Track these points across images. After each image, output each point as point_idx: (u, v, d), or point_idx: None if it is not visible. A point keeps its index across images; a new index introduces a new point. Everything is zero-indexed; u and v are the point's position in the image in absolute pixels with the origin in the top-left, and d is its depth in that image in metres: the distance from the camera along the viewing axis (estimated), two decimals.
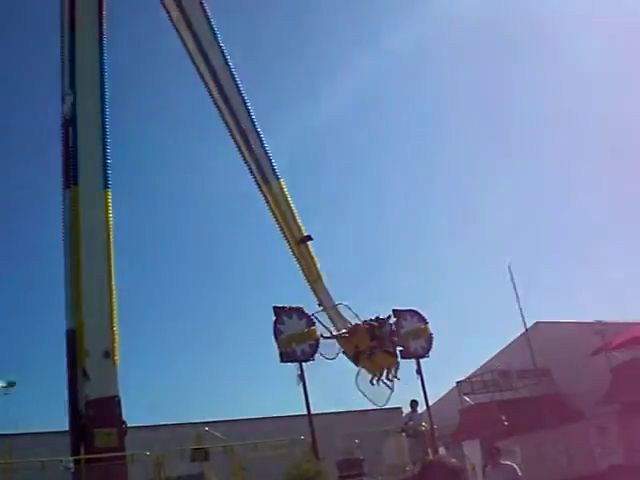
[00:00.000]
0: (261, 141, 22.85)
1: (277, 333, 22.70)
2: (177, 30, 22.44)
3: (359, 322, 23.16)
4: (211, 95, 22.72)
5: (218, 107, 22.76)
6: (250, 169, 22.96)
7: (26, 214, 41.15)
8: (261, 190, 23.05)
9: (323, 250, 24.74)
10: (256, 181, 23.04)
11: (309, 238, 23.12)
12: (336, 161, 56.53)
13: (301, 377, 22.45)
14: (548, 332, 36.83)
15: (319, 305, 23.20)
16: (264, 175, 22.89)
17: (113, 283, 20.44)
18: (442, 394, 38.34)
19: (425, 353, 26.05)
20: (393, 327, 24.42)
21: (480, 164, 56.55)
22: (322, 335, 23.01)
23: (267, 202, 23.03)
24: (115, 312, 20.31)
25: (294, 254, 23.21)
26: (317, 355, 22.96)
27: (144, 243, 46.78)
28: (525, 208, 54.43)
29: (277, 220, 23.13)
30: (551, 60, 53.32)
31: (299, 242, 22.94)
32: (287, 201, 23.05)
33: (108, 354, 19.88)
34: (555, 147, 52.38)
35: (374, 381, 22.98)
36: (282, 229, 23.14)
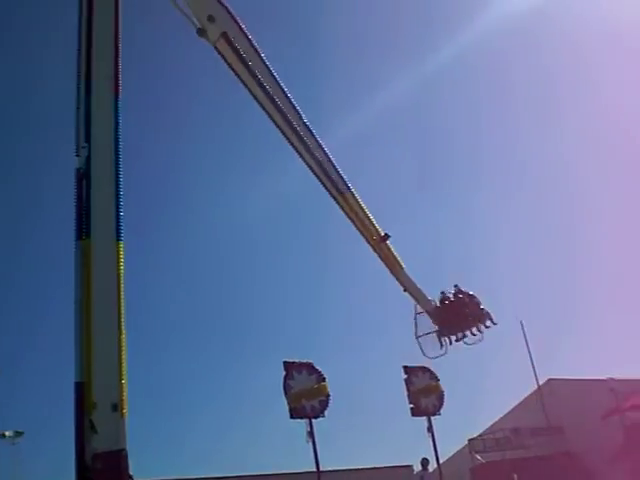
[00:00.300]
0: (327, 157, 23.78)
1: (287, 388, 22.53)
2: (236, 72, 23.23)
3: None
4: (274, 121, 23.30)
5: (284, 132, 23.33)
6: (324, 185, 24.08)
7: (37, 265, 41.28)
8: (337, 202, 24.33)
9: None
10: (331, 194, 24.19)
11: (387, 236, 24.57)
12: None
13: (310, 434, 22.21)
14: (561, 389, 36.50)
15: (404, 291, 25.14)
16: (338, 188, 24.09)
17: (123, 336, 20.33)
18: (453, 452, 37.83)
19: (436, 411, 25.81)
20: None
21: (490, 218, 56.59)
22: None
23: (344, 211, 24.42)
24: (124, 365, 20.15)
25: (376, 252, 24.88)
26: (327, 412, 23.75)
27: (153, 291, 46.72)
28: (537, 262, 54.33)
29: (356, 226, 24.61)
30: None
31: (380, 242, 24.48)
32: (362, 207, 24.42)
33: (116, 407, 19.60)
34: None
35: (447, 340, 25.25)
36: (362, 233, 24.64)
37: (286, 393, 22.04)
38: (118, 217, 21.06)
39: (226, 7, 23.56)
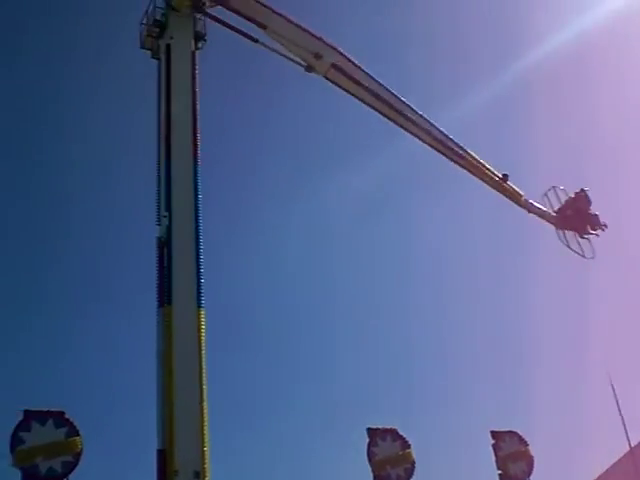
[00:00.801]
0: (445, 134, 27.69)
1: (371, 456, 22.02)
2: (348, 91, 26.52)
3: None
4: (383, 114, 26.93)
5: (396, 121, 27.05)
6: (451, 159, 27.93)
7: (120, 333, 41.95)
8: (459, 164, 28.04)
9: None
10: (452, 159, 27.93)
11: (506, 176, 28.54)
12: None
13: None
14: None
15: (529, 212, 29.17)
16: (459, 154, 27.85)
17: (205, 403, 20.34)
18: None
19: (526, 477, 24.81)
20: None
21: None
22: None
23: (467, 169, 28.11)
24: (206, 432, 20.13)
25: (501, 192, 28.61)
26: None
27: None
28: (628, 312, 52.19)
29: (480, 178, 28.28)
30: None
31: (502, 181, 28.47)
32: (480, 162, 28.13)
33: (198, 475, 19.59)
34: None
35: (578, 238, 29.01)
36: (486, 182, 28.38)
37: (370, 460, 21.62)
38: (199, 284, 21.35)
39: (328, 43, 26.00)
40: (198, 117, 23.18)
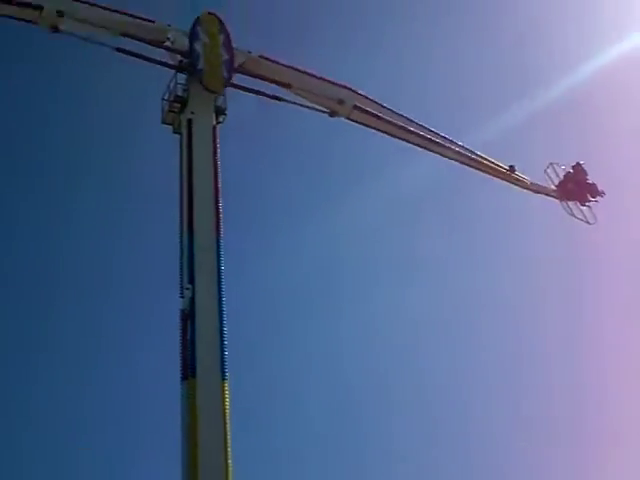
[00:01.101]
0: (463, 146, 29.83)
1: None
2: (372, 126, 28.37)
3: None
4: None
5: (418, 144, 29.01)
6: (469, 165, 30.13)
7: (144, 404, 41.75)
8: (477, 168, 30.28)
9: None
10: (473, 167, 30.18)
11: (513, 167, 30.72)
12: None
13: None
14: None
15: (536, 193, 31.55)
16: (477, 161, 30.02)
17: (231, 477, 20.16)
18: None
19: None
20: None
21: None
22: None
23: (482, 171, 30.36)
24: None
25: (510, 181, 30.85)
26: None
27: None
28: None
29: (493, 175, 30.51)
30: None
31: (511, 172, 30.63)
32: (492, 162, 30.32)
33: None
34: None
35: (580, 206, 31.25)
36: (498, 176, 30.60)
37: None
38: (223, 357, 21.32)
39: (350, 87, 27.86)
40: (220, 189, 23.50)
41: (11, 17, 23.86)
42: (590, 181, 31.74)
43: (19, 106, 43.92)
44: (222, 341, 21.44)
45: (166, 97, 25.38)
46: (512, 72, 50.36)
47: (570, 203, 31.75)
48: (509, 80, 50.06)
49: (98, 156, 44.47)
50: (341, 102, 27.45)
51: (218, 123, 24.91)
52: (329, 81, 27.57)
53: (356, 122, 28.25)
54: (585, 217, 31.52)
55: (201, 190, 23.21)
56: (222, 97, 25.36)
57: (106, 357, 42.03)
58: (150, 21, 25.57)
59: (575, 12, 52.06)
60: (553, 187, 31.99)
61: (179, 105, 24.98)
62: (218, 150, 24.19)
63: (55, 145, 45.12)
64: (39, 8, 23.64)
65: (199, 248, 22.33)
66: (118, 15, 24.94)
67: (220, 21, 25.94)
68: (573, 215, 31.60)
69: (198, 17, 25.64)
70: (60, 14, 23.73)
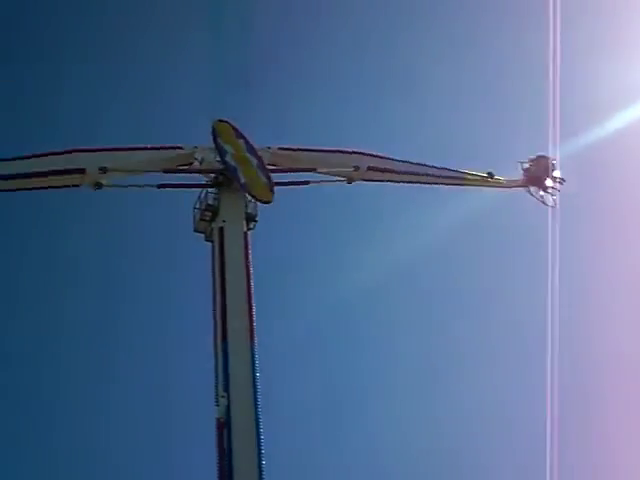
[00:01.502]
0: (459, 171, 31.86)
1: None
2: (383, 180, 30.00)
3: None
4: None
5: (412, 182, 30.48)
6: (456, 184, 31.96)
7: None
8: (464, 184, 32.09)
9: None
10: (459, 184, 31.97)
11: (491, 173, 32.73)
12: None
13: None
14: None
15: (510, 188, 33.90)
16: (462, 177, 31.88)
17: None
18: None
19: None
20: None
21: None
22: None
23: (469, 185, 32.14)
24: None
25: (488, 186, 32.99)
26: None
27: None
28: None
29: (477, 184, 32.44)
30: None
31: (490, 178, 32.66)
32: (477, 175, 32.22)
33: None
34: None
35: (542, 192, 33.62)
36: (480, 184, 32.64)
37: None
38: (260, 466, 20.89)
39: (359, 152, 29.14)
40: (253, 295, 23.58)
41: (54, 187, 24.46)
42: (552, 169, 34.16)
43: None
44: (260, 449, 21.07)
45: (198, 206, 25.93)
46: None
47: (533, 189, 34.26)
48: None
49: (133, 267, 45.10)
50: (356, 168, 28.56)
51: (249, 229, 25.33)
52: (342, 151, 29.12)
53: (371, 181, 29.52)
54: (545, 201, 34.07)
55: (234, 297, 23.31)
56: (252, 204, 25.83)
57: None
58: (178, 147, 26.45)
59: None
60: (521, 179, 34.55)
61: (210, 214, 25.48)
62: (250, 256, 24.44)
63: (92, 258, 45.75)
64: (81, 171, 24.14)
65: (234, 355, 22.22)
66: (150, 152, 25.84)
67: (234, 127, 26.77)
68: (538, 199, 34.09)
69: (214, 128, 26.37)
70: (103, 170, 24.22)
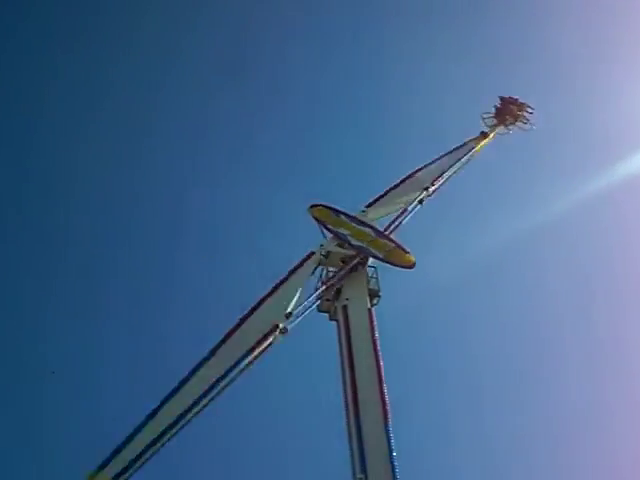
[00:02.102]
0: None
1: None
2: None
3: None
4: None
5: None
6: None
7: None
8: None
9: None
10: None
11: (484, 133, 35.81)
12: None
13: None
14: None
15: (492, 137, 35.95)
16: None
17: None
18: None
19: None
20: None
21: None
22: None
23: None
24: None
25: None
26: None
27: None
28: None
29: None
30: None
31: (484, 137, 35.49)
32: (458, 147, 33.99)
33: None
34: None
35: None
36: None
37: None
38: None
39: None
40: (383, 372, 23.26)
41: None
42: (516, 100, 36.87)
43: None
44: None
45: (320, 286, 26.01)
46: None
47: (509, 126, 36.62)
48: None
49: None
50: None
51: (373, 305, 25.23)
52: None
53: None
54: (522, 128, 36.85)
55: (363, 374, 23.01)
56: (374, 279, 25.83)
57: None
58: (311, 254, 26.41)
59: None
60: (494, 122, 36.63)
61: (333, 293, 25.53)
62: (376, 332, 24.18)
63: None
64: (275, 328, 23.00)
65: (368, 435, 21.69)
66: (300, 273, 25.72)
67: (328, 207, 27.50)
68: (515, 128, 36.55)
69: (316, 217, 27.10)
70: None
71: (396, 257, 26.20)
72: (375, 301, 25.43)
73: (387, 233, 27.48)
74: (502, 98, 37.09)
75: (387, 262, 26.07)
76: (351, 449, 21.97)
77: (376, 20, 59.39)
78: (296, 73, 59.73)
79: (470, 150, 33.83)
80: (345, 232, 26.69)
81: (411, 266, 26.32)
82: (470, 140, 34.72)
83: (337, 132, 57.42)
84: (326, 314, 25.77)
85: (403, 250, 26.61)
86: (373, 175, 53.79)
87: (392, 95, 58.91)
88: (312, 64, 59.93)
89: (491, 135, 35.87)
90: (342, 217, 27.33)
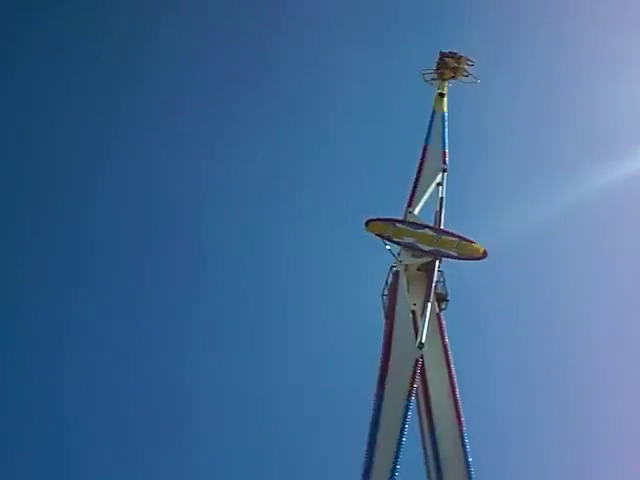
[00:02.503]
0: None
1: None
2: None
3: None
4: None
5: None
6: None
7: None
8: None
9: None
10: None
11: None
12: None
13: None
14: None
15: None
16: None
17: None
18: None
19: None
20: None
21: None
22: None
23: None
24: None
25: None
26: None
27: None
28: None
29: None
30: None
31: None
32: None
33: None
34: None
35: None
36: None
37: None
38: None
39: None
40: (455, 377, 22.98)
41: None
42: (455, 54, 34.98)
43: None
44: None
45: (386, 293, 25.73)
46: None
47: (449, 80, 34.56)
48: None
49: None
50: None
51: (442, 310, 24.88)
52: None
53: None
54: (465, 81, 34.76)
55: (436, 380, 22.83)
56: (441, 283, 25.51)
57: None
58: (395, 271, 26.00)
59: None
60: (433, 77, 34.74)
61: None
62: (446, 337, 23.98)
63: None
64: None
65: (442, 441, 21.61)
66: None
67: (382, 219, 27.09)
68: (469, 80, 34.69)
69: (379, 235, 26.64)
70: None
71: (467, 251, 26.02)
72: (444, 305, 25.05)
73: (444, 228, 27.00)
74: (441, 53, 35.58)
75: (461, 259, 25.84)
76: (426, 458, 21.85)
77: None
78: None
79: (442, 117, 32.43)
80: (411, 240, 26.41)
81: (483, 256, 26.14)
82: (435, 105, 33.41)
83: None
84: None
85: (469, 241, 26.33)
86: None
87: None
88: None
89: (444, 91, 34.34)
90: (400, 226, 26.90)
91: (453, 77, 34.78)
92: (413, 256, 26.08)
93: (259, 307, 50.24)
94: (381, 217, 27.37)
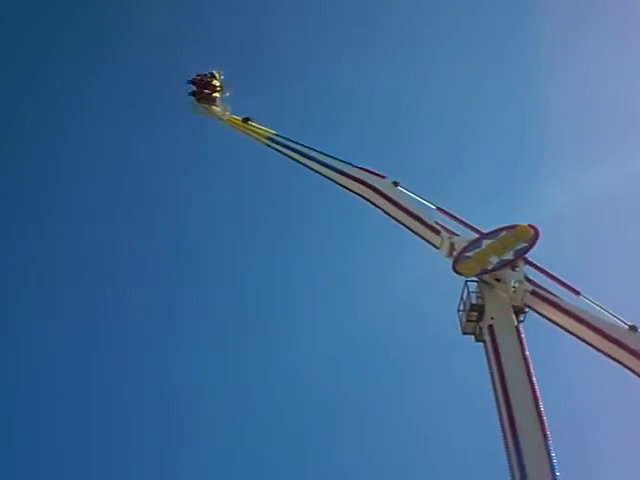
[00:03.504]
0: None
1: None
2: None
3: None
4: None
5: None
6: None
7: None
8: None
9: None
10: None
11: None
12: None
13: None
14: None
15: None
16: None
17: None
18: None
19: None
20: None
21: None
22: None
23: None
24: None
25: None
26: None
27: None
28: None
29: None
30: None
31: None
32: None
33: None
34: None
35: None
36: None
37: None
38: None
39: None
40: (537, 390, 22.58)
41: None
42: (204, 75, 33.62)
43: None
44: None
45: (462, 308, 25.58)
46: None
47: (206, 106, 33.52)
48: None
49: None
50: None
51: (520, 322, 24.48)
52: None
53: None
54: (224, 95, 33.30)
55: (517, 393, 22.45)
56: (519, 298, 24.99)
57: None
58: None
59: None
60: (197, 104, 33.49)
61: (476, 313, 25.01)
62: (526, 350, 23.55)
63: None
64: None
65: (528, 457, 21.13)
66: None
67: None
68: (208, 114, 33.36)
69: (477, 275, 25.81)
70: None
71: (525, 235, 25.59)
72: (522, 317, 24.59)
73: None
74: (192, 80, 33.84)
75: (531, 245, 25.28)
76: (511, 470, 21.46)
77: None
78: None
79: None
80: (494, 256, 25.41)
81: (537, 234, 25.54)
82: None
83: None
84: (471, 336, 25.31)
85: (514, 225, 25.89)
86: None
87: None
88: None
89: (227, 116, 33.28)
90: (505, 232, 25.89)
91: (211, 97, 33.44)
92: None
93: (259, 307, 50.82)
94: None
